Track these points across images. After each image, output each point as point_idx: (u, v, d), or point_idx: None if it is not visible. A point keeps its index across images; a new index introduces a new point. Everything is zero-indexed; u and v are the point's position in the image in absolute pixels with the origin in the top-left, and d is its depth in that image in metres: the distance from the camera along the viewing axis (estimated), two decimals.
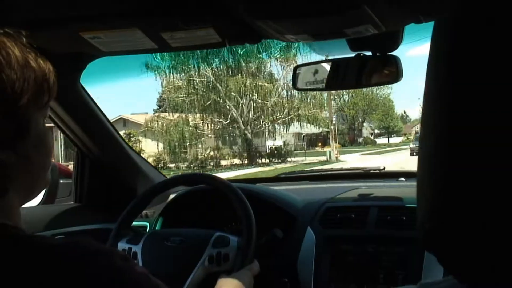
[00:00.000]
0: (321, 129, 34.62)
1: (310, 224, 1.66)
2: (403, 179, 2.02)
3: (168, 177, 1.95)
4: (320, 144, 43.76)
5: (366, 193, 1.81)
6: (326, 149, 34.42)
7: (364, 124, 56.58)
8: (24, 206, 0.78)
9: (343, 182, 2.14)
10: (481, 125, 0.35)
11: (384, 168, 2.16)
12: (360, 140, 53.88)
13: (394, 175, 2.09)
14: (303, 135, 41.14)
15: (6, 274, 0.62)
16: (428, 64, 0.41)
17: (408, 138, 54.87)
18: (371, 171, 2.17)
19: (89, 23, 1.27)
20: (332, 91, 28.13)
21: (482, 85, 0.35)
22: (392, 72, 1.51)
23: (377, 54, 1.51)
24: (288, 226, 1.68)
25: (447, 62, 0.38)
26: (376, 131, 62.57)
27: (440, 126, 0.38)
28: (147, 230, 1.81)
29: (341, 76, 1.59)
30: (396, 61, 1.48)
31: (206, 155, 29.51)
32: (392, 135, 61.29)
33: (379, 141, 58.26)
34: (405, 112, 79.42)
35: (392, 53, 1.50)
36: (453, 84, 0.37)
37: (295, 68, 1.64)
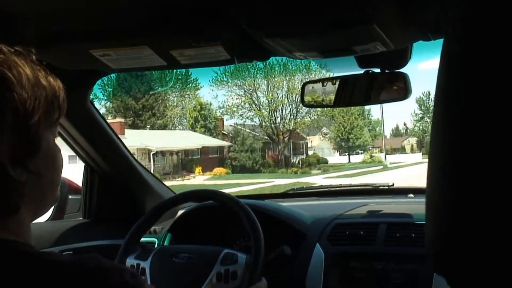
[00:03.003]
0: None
1: (318, 241, 1.65)
2: (412, 195, 2.00)
3: (176, 193, 1.94)
4: (184, 172, 28.24)
5: (375, 210, 1.80)
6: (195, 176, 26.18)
7: (311, 138, 43.37)
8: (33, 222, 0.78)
9: (351, 198, 2.12)
10: (495, 142, 0.34)
11: (393, 184, 2.14)
12: (295, 160, 36.37)
13: (403, 192, 2.07)
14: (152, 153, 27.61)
15: None
16: (438, 79, 0.40)
17: (372, 157, 41.29)
18: (380, 187, 2.15)
19: (99, 41, 1.28)
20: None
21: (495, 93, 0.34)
22: (400, 88, 1.51)
23: (386, 71, 1.51)
24: (297, 242, 1.66)
25: (458, 66, 0.37)
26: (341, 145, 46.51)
27: (452, 147, 0.37)
28: (155, 246, 1.79)
29: (349, 93, 1.58)
30: (404, 78, 1.48)
31: None
32: (356, 152, 47.25)
33: (335, 160, 43.70)
34: (406, 125, 75.75)
35: (401, 70, 1.50)
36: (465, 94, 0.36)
37: (303, 85, 1.64)
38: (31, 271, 0.64)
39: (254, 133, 35.03)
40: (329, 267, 1.57)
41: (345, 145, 46.40)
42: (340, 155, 47.90)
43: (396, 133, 75.55)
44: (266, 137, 35.16)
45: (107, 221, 1.99)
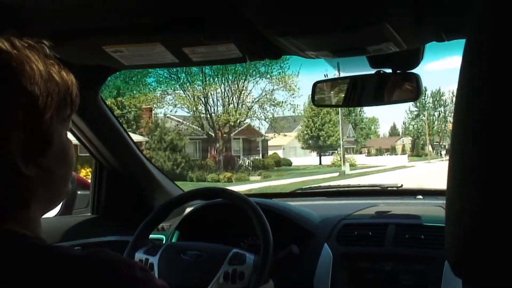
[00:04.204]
0: None
1: (326, 241, 1.65)
2: (421, 197, 1.99)
3: (184, 190, 1.95)
4: None
5: (383, 211, 1.79)
6: None
7: (273, 135, 33.31)
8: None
9: (360, 198, 2.11)
10: None
11: (402, 185, 2.13)
12: (245, 161, 30.89)
13: (412, 193, 2.06)
14: None
15: (28, 284, 0.62)
16: (462, 67, 0.39)
17: (338, 160, 34.10)
18: (389, 188, 2.15)
19: (111, 37, 1.29)
20: None
21: None
22: (412, 89, 1.50)
23: (397, 71, 1.50)
24: (305, 242, 1.66)
25: (489, 59, 0.36)
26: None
27: (478, 141, 0.36)
28: (163, 243, 1.80)
29: (359, 93, 1.58)
30: (416, 79, 1.47)
31: None
32: (331, 152, 40.38)
33: (303, 161, 38.60)
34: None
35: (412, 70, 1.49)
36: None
37: (314, 84, 1.64)
38: (41, 264, 0.64)
39: (183, 126, 28.94)
40: (337, 267, 1.57)
41: (315, 144, 40.17)
42: (317, 155, 41.91)
43: (393, 132, 73.10)
44: (200, 132, 28.85)
45: (115, 217, 2.00)
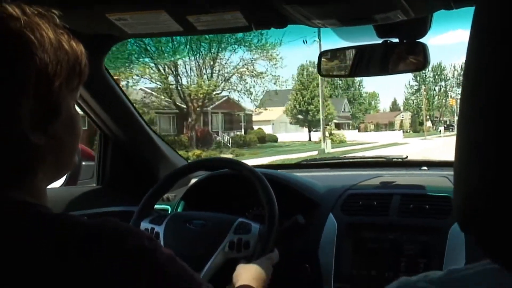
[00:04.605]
0: None
1: (331, 211, 1.66)
2: (425, 168, 2.00)
3: (189, 161, 1.95)
4: None
5: (388, 181, 1.79)
6: None
7: (260, 110, 30.66)
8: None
9: (365, 170, 2.12)
10: None
11: (407, 156, 2.13)
12: (224, 138, 28.52)
13: (417, 164, 2.07)
14: None
15: (31, 252, 0.63)
16: (470, 38, 0.38)
17: (332, 135, 31.79)
18: (394, 160, 2.14)
19: (115, 4, 1.27)
20: None
21: None
22: (419, 59, 1.49)
23: (404, 41, 1.49)
24: (310, 212, 1.67)
25: (499, 27, 0.35)
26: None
27: (487, 106, 0.35)
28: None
29: (366, 63, 1.57)
30: (424, 48, 1.46)
31: None
32: (319, 128, 34.40)
33: (293, 137, 35.31)
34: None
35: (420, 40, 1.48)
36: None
37: (320, 54, 1.62)
38: (48, 232, 0.64)
39: (151, 98, 26.55)
40: (342, 237, 1.58)
41: (304, 118, 37.93)
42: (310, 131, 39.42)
43: (394, 107, 71.73)
44: (170, 105, 26.38)
45: (120, 188, 2.00)
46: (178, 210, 1.83)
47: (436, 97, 65.62)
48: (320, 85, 30.84)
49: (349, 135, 38.92)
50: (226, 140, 29.12)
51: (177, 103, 26.35)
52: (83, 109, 1.82)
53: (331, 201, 1.70)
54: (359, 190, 1.75)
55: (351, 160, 2.35)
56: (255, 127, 35.42)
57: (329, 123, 37.77)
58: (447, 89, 65.28)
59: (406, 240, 1.52)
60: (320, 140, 29.79)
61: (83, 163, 2.15)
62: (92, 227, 0.66)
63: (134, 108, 1.94)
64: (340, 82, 59.05)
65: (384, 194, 1.67)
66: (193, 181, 1.94)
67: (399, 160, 2.13)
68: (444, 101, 64.56)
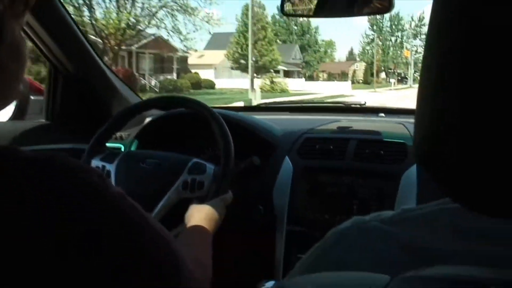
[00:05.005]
0: None
1: (288, 154, 1.66)
2: (383, 114, 2.02)
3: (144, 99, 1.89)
4: None
5: (346, 126, 1.80)
6: None
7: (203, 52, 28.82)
8: None
9: (323, 114, 2.11)
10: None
11: (365, 103, 2.14)
12: (151, 81, 26.63)
13: (374, 111, 2.08)
14: None
15: None
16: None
17: (273, 83, 30.41)
18: (352, 105, 2.16)
19: None
20: None
21: None
22: (384, 3, 1.46)
23: None
24: (266, 154, 1.67)
25: None
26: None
27: (450, 54, 0.34)
28: None
29: (331, 3, 1.53)
30: None
31: None
32: (265, 75, 34.37)
33: (228, 83, 32.80)
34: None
35: None
36: None
37: None
38: None
39: None
40: (297, 179, 1.59)
41: (246, 63, 33.04)
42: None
43: (351, 57, 70.74)
44: None
45: (70, 124, 1.93)
46: (132, 149, 1.79)
47: (391, 48, 65.60)
48: (249, 25, 28.15)
49: (295, 84, 35.93)
50: (153, 84, 26.85)
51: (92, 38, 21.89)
52: (32, 39, 1.72)
53: (288, 144, 1.70)
54: (316, 134, 1.75)
55: (310, 104, 2.35)
56: (195, 71, 32.81)
57: (272, 70, 35.43)
58: (403, 40, 65.48)
59: (361, 185, 1.54)
60: (261, 88, 27.55)
61: (32, 97, 2.06)
62: (39, 161, 0.62)
63: (87, 41, 1.85)
64: (296, 28, 57.59)
65: (341, 138, 1.68)
66: (147, 120, 1.89)
67: (358, 106, 2.14)
68: (399, 52, 64.72)
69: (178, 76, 29.78)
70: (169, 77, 28.63)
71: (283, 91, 29.75)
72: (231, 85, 32.45)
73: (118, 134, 1.79)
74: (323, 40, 62.44)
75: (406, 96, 26.91)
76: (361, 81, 56.23)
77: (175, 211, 1.36)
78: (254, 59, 30.49)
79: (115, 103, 1.97)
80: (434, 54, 0.36)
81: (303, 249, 1.51)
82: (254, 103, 21.49)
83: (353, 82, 49.70)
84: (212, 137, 1.44)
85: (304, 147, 1.67)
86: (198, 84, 28.68)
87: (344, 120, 1.91)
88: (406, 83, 54.86)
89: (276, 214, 1.59)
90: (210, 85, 29.70)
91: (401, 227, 0.47)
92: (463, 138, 0.33)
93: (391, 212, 0.50)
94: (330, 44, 64.75)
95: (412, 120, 1.84)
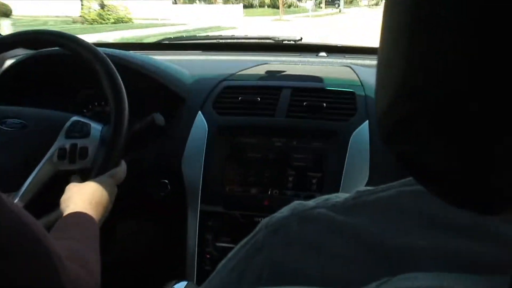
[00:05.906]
0: None
1: (201, 109, 1.54)
2: (324, 54, 1.93)
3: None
4: None
5: (277, 70, 1.69)
6: None
7: None
8: None
9: (247, 54, 2.01)
10: None
11: (301, 38, 2.02)
12: None
13: (313, 49, 1.97)
14: None
15: None
16: None
17: (104, 10, 22.17)
18: (284, 42, 2.03)
19: None
20: None
21: None
22: None
23: None
24: (172, 109, 1.56)
25: None
26: None
27: None
28: None
29: None
30: None
31: None
32: None
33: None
34: None
35: None
36: None
37: None
38: None
39: None
40: (213, 143, 1.48)
41: None
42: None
43: None
44: None
45: None
46: None
47: None
48: None
49: (149, 8, 27.29)
50: None
51: None
52: None
53: (201, 95, 1.57)
54: (238, 81, 1.63)
55: (229, 41, 2.21)
56: None
57: None
58: None
59: (296, 148, 1.42)
60: (85, 17, 21.28)
61: None
62: None
63: None
64: None
65: (271, 87, 1.56)
66: (8, 62, 1.69)
67: (291, 42, 2.03)
68: None
69: None
70: None
71: (118, 21, 22.53)
72: (38, 12, 24.67)
73: None
74: None
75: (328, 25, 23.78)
76: (263, 5, 50.29)
77: (48, 190, 1.28)
78: None
79: None
80: None
81: (222, 236, 1.42)
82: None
83: (251, 6, 40.94)
84: (99, 87, 1.32)
85: (222, 99, 1.55)
86: None
87: (275, 62, 1.81)
88: (338, 7, 50.27)
89: (186, 191, 1.47)
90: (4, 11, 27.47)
91: (357, 216, 0.45)
92: (437, 116, 0.30)
93: (342, 195, 0.48)
94: None
95: (362, 62, 1.75)
